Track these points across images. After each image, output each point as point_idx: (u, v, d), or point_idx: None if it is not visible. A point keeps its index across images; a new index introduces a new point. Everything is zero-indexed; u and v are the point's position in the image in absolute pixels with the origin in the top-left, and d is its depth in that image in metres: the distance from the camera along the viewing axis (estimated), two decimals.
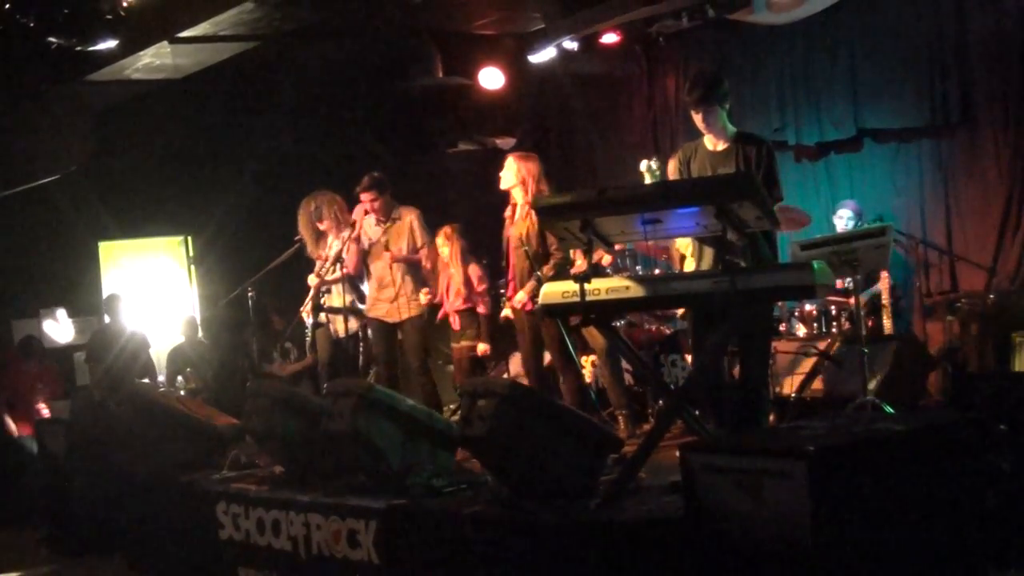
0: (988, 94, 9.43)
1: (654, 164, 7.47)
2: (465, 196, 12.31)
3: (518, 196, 8.06)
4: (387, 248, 8.88)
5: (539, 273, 7.74)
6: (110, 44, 8.78)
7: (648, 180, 7.57)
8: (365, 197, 8.92)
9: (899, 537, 4.37)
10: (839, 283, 8.59)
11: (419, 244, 8.95)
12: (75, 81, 10.48)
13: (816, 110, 10.46)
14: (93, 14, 8.30)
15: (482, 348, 8.96)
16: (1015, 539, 4.91)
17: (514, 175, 8.02)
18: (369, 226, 9.10)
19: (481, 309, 9.04)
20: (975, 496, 4.78)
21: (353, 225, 9.01)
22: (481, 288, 9.05)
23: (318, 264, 9.29)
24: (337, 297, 9.28)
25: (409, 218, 8.98)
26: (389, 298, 8.92)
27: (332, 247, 9.26)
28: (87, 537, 8.71)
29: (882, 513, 4.32)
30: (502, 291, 9.64)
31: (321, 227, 9.37)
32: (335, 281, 9.22)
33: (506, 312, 8.56)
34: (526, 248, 7.90)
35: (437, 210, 9.80)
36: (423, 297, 8.94)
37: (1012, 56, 9.21)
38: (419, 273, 9.03)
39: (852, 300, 8.20)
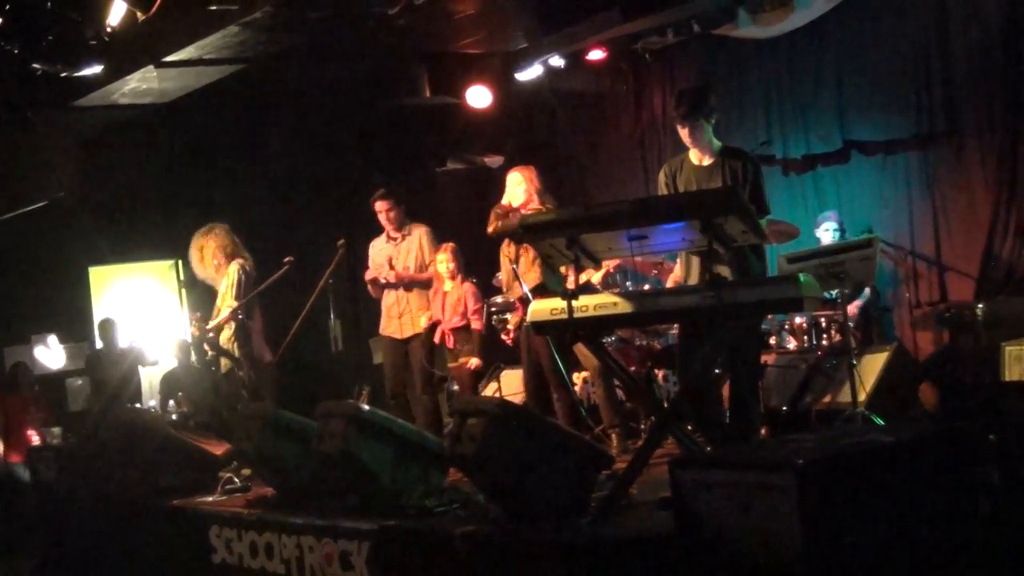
0: (973, 104, 9.46)
1: None
2: (454, 214, 12.33)
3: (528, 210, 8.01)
4: (392, 266, 8.98)
5: (527, 291, 7.74)
6: (95, 69, 8.78)
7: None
8: (380, 206, 9.09)
9: (890, 549, 4.36)
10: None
11: (427, 261, 9.07)
12: (62, 107, 10.49)
13: (802, 123, 10.48)
14: (78, 40, 8.30)
15: (474, 362, 8.98)
16: (1007, 550, 4.90)
17: (525, 190, 7.98)
18: (378, 245, 9.19)
19: (475, 326, 9.05)
20: (966, 507, 4.78)
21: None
22: (477, 306, 9.06)
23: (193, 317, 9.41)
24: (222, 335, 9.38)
25: (419, 235, 9.12)
26: (397, 315, 9.06)
27: (222, 282, 9.36)
28: (81, 564, 8.68)
29: (873, 525, 4.31)
30: (493, 309, 9.65)
31: (212, 262, 9.38)
32: (223, 321, 9.29)
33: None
34: (514, 266, 7.90)
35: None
36: (423, 320, 9.00)
37: (996, 66, 9.23)
38: (427, 290, 9.12)
39: (841, 312, 8.21)
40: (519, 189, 7.98)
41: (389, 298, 9.19)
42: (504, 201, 8.16)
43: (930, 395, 8.74)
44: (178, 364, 11.43)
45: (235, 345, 9.25)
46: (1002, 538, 4.93)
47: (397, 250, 9.20)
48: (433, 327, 9.05)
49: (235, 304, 9.13)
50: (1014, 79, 9.15)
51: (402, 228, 9.24)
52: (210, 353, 9.39)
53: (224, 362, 9.37)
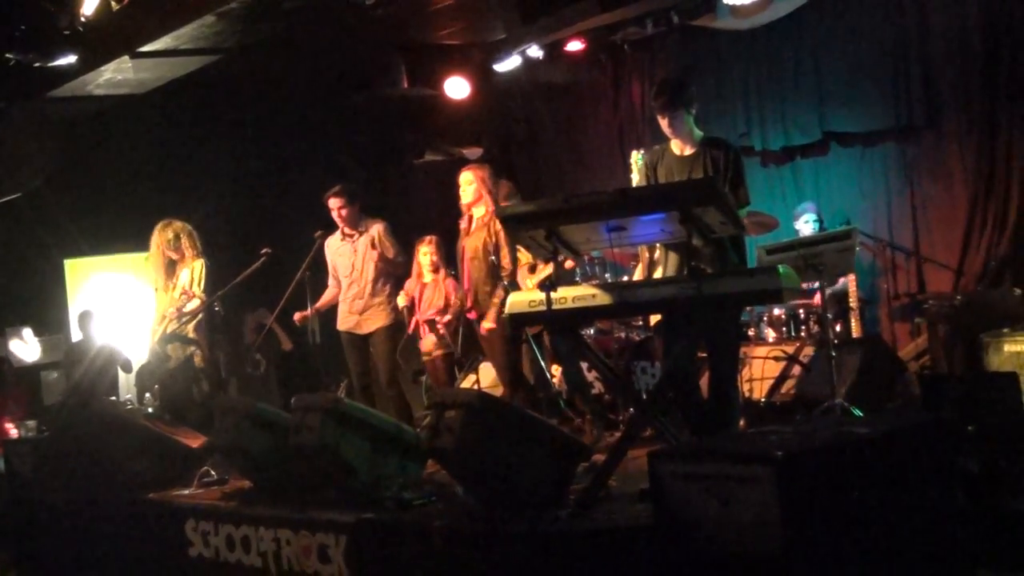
0: (952, 97, 9.48)
1: (640, 155, 7.52)
2: (433, 206, 12.28)
3: (478, 208, 8.03)
4: (373, 246, 8.91)
5: (506, 284, 7.73)
6: (70, 59, 8.72)
7: (635, 172, 7.61)
8: (333, 203, 8.98)
9: (869, 540, 4.36)
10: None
11: (390, 255, 8.97)
12: (37, 98, 10.41)
13: (782, 115, 10.47)
14: (51, 30, 8.24)
15: (429, 342, 8.94)
16: (985, 540, 4.91)
17: (475, 189, 7.99)
18: (333, 243, 9.13)
19: (447, 317, 9.00)
20: (944, 497, 4.78)
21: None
22: (456, 304, 9.03)
23: (167, 298, 9.48)
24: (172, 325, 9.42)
25: (376, 230, 9.00)
26: (358, 310, 8.98)
27: (180, 276, 9.45)
28: (57, 558, 8.62)
29: (852, 517, 4.31)
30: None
31: (174, 256, 9.47)
32: (194, 312, 9.30)
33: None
34: (493, 258, 7.87)
35: (405, 221, 9.79)
36: (401, 300, 8.94)
37: (975, 58, 9.25)
38: (388, 283, 9.05)
39: (819, 302, 8.20)
40: (469, 188, 8.02)
41: (350, 293, 9.08)
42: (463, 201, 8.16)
43: (908, 387, 8.75)
44: (154, 357, 11.38)
45: (202, 335, 9.28)
46: (981, 527, 4.94)
47: (355, 247, 9.07)
48: (410, 315, 9.00)
49: (204, 296, 9.17)
50: (992, 72, 9.16)
51: (358, 226, 9.08)
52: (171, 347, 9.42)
53: (188, 350, 9.37)
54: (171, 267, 9.54)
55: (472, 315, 8.17)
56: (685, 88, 6.69)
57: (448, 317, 8.87)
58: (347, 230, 9.07)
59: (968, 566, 4.74)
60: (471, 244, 8.01)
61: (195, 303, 9.29)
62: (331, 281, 9.27)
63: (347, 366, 9.36)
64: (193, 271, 9.38)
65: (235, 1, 8.57)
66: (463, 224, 8.21)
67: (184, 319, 9.33)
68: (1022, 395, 5.75)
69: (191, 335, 9.41)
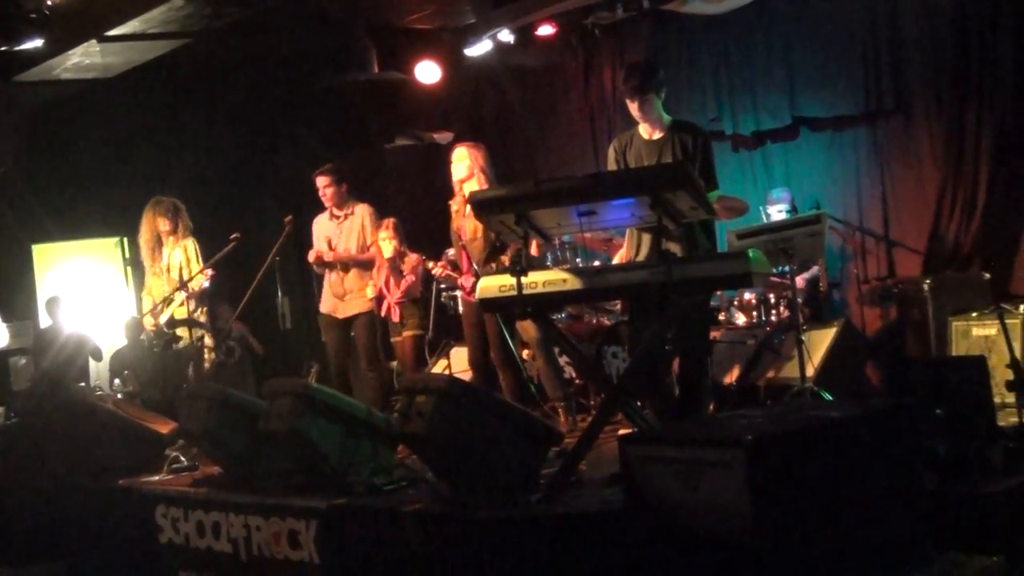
0: (922, 81, 9.49)
1: None
2: (403, 191, 12.27)
3: (470, 187, 7.95)
4: (331, 246, 8.93)
5: (477, 267, 7.70)
6: (37, 44, 8.66)
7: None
8: (320, 182, 9.06)
9: (839, 524, 4.38)
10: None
11: (369, 242, 9.00)
12: (4, 82, 10.34)
13: (752, 99, 10.48)
14: (17, 13, 8.17)
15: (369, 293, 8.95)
16: (953, 522, 4.94)
17: (467, 166, 7.92)
18: (320, 223, 9.13)
19: (397, 295, 8.99)
20: (914, 480, 4.80)
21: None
22: (411, 279, 9.00)
23: (159, 281, 9.50)
24: (181, 309, 9.39)
25: (362, 214, 9.06)
26: (339, 294, 9.00)
27: (172, 256, 9.50)
28: (26, 544, 8.58)
29: (821, 500, 4.32)
30: (443, 286, 9.62)
31: (167, 228, 9.51)
32: (193, 294, 9.33)
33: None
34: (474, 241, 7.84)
35: (375, 205, 9.76)
36: (369, 291, 8.94)
37: (945, 43, 9.26)
38: (369, 269, 9.06)
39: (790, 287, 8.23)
40: (461, 165, 7.92)
41: (332, 275, 9.12)
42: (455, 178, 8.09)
43: (878, 370, 8.80)
44: (127, 342, 11.33)
45: (208, 318, 9.29)
46: (950, 510, 4.97)
47: (339, 229, 9.11)
48: (379, 300, 8.99)
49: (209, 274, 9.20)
50: (962, 57, 9.18)
51: (343, 207, 9.13)
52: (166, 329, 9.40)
53: (185, 336, 9.35)
54: (158, 247, 9.53)
55: (470, 298, 8.13)
56: (655, 72, 6.69)
57: (398, 295, 8.86)
58: (334, 211, 9.10)
59: (938, 549, 4.76)
60: (469, 225, 7.89)
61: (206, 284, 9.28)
62: None
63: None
64: (187, 250, 9.38)
65: None
66: (454, 205, 8.09)
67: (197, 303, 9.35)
68: (990, 379, 5.78)
69: (201, 319, 9.40)
